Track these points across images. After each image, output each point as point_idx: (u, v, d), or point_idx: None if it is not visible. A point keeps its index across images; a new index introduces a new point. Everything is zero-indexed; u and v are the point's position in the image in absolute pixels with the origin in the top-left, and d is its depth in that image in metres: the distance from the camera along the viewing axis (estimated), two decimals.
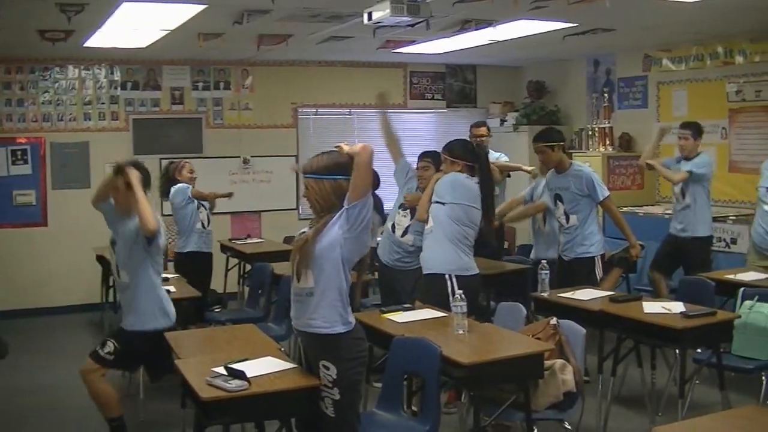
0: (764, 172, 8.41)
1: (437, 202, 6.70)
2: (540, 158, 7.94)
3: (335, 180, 4.63)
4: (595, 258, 7.68)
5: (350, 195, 4.52)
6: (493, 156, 9.05)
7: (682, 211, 8.72)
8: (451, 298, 6.00)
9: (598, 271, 7.67)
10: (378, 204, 8.79)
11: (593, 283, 7.43)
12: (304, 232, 4.73)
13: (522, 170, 9.48)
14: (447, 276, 6.56)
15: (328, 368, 4.54)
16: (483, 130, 9.69)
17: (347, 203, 4.52)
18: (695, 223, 8.65)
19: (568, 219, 7.70)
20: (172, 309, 6.21)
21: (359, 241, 4.63)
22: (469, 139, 8.49)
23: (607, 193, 7.72)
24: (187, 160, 9.44)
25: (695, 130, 8.77)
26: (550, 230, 8.29)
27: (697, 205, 8.62)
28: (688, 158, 8.70)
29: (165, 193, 9.16)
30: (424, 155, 7.46)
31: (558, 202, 7.79)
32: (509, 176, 9.65)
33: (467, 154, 6.85)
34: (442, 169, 6.94)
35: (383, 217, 8.66)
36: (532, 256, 8.59)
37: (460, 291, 5.65)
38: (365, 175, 4.54)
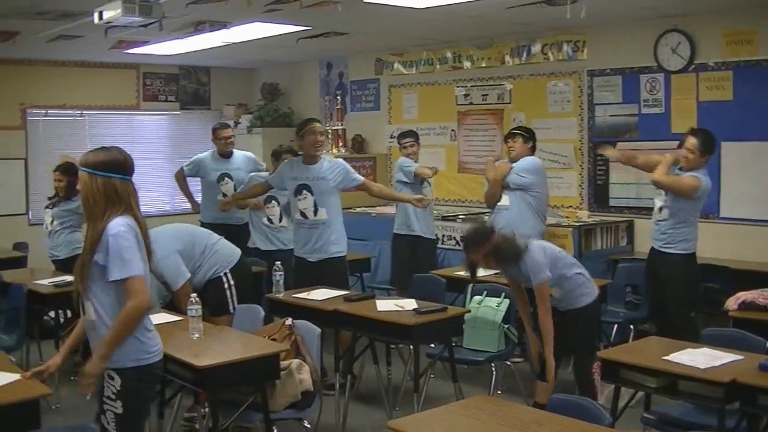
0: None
1: None
2: None
3: (109, 178, 4.27)
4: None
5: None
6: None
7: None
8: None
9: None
10: None
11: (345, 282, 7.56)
12: None
13: None
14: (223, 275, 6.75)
15: (112, 378, 4.21)
16: (229, 131, 9.64)
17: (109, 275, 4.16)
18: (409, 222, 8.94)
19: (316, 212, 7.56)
20: None
21: None
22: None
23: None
24: None
25: (416, 136, 9.18)
26: None
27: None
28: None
29: None
30: None
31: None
32: None
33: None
34: None
35: None
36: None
37: (195, 294, 5.64)
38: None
